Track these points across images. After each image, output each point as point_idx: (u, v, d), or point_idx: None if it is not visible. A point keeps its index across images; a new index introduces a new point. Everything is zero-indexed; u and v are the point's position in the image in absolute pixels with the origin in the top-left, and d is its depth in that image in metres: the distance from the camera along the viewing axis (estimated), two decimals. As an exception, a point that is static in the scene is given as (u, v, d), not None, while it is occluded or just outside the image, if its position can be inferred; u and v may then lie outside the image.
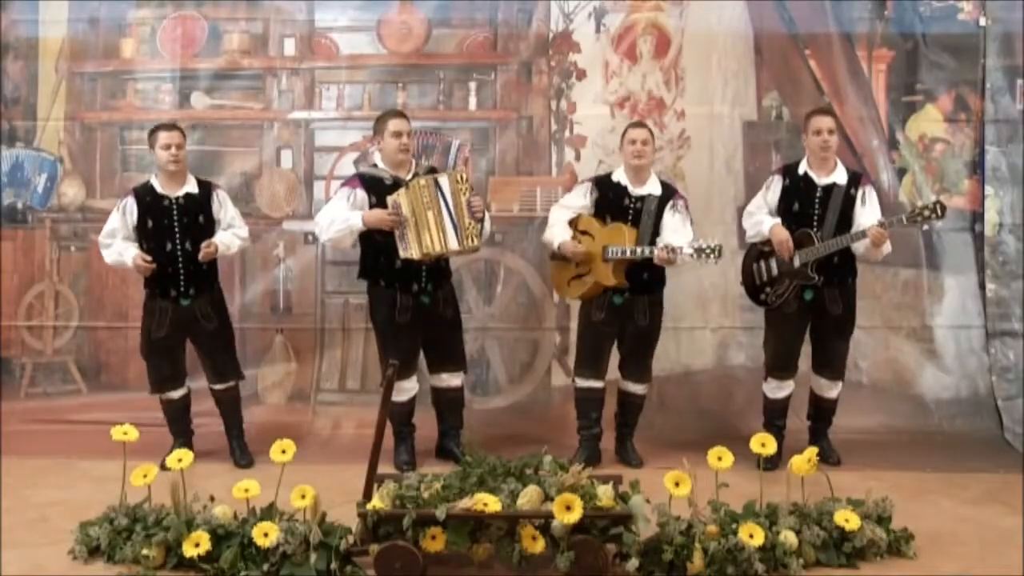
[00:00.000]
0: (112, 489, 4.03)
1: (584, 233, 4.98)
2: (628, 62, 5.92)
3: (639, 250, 4.79)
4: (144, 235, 4.89)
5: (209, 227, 4.96)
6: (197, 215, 4.93)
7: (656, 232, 4.88)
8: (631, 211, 4.91)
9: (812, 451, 3.93)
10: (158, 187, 4.92)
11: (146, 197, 4.91)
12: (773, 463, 4.46)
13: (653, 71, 5.92)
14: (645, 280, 4.90)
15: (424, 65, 5.97)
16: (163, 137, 4.86)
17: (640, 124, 5.09)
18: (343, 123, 6.00)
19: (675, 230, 4.86)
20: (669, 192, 4.98)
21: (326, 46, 6.02)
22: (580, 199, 5.04)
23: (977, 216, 5.85)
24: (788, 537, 3.72)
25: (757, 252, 5.02)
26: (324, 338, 5.93)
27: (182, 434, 5.05)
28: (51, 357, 6.01)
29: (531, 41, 5.93)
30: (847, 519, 3.79)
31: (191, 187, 4.96)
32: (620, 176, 4.99)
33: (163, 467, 4.03)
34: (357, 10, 6.00)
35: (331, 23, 6.02)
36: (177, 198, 4.91)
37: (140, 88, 6.04)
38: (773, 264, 4.93)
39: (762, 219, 4.96)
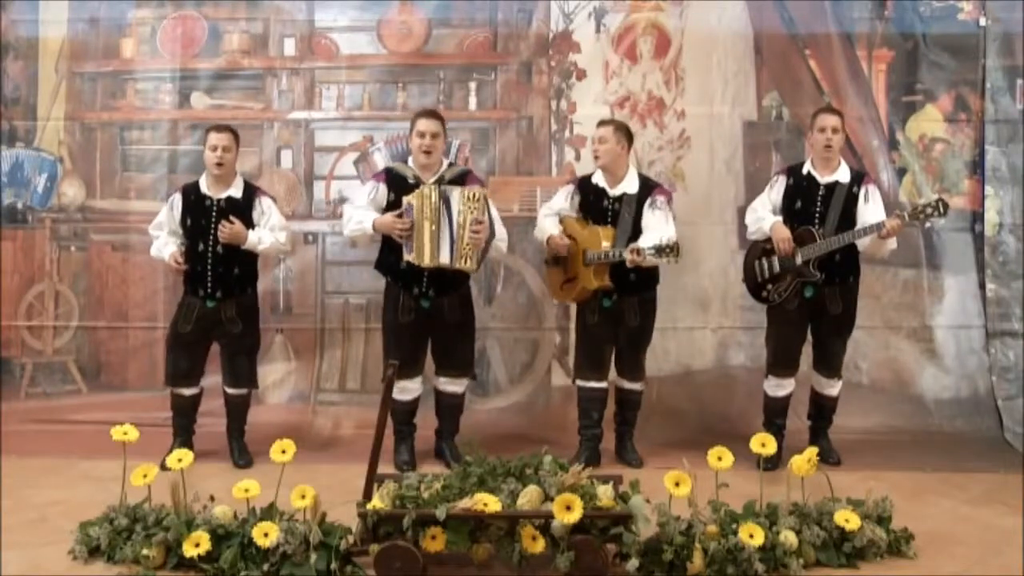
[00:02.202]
0: (112, 489, 4.03)
1: (569, 237, 4.99)
2: (628, 62, 5.92)
3: (612, 253, 4.77)
4: (184, 232, 4.94)
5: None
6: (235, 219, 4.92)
7: (636, 231, 4.85)
8: (610, 212, 4.90)
9: (812, 451, 3.93)
10: (203, 187, 4.94)
11: (191, 195, 4.94)
12: (773, 463, 4.46)
13: (653, 71, 5.92)
14: (633, 281, 4.86)
15: (424, 65, 5.98)
16: (211, 138, 4.88)
17: (602, 122, 5.04)
18: (343, 123, 6.00)
19: (654, 228, 4.82)
20: (647, 189, 4.93)
21: (326, 46, 6.02)
22: (562, 201, 5.06)
23: (977, 216, 5.86)
24: (788, 537, 3.72)
25: (760, 250, 5.02)
26: (324, 338, 5.93)
27: (183, 432, 5.06)
28: (51, 357, 6.01)
29: (531, 41, 5.94)
30: (847, 519, 3.79)
31: (235, 191, 4.95)
32: (599, 177, 4.98)
33: (163, 467, 4.03)
34: (357, 10, 6.01)
35: (331, 23, 6.02)
36: (218, 200, 4.91)
37: (140, 88, 6.04)
38: (775, 261, 4.93)
39: (764, 216, 4.97)
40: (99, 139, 6.04)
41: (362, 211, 4.85)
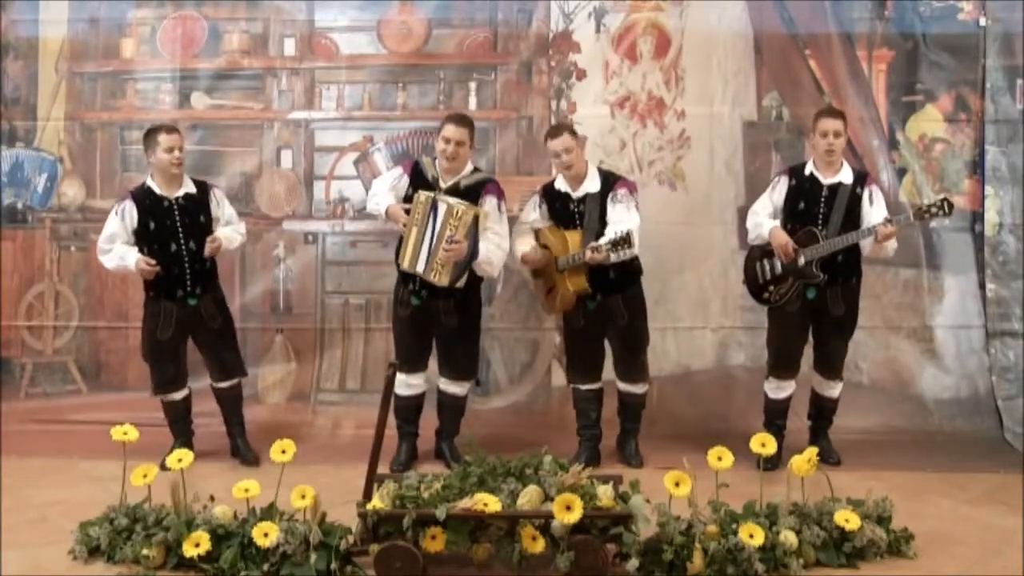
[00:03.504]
0: (112, 489, 4.04)
1: (545, 247, 4.98)
2: (628, 62, 5.92)
3: (577, 255, 4.74)
4: (145, 238, 4.88)
5: (209, 226, 4.98)
6: (198, 215, 4.94)
7: (604, 229, 4.80)
8: (577, 214, 4.88)
9: (812, 451, 3.93)
10: (156, 189, 4.91)
11: (145, 200, 4.90)
12: (773, 463, 4.45)
13: (653, 71, 5.92)
14: (613, 280, 4.85)
15: (424, 65, 5.98)
16: (167, 140, 4.84)
17: (556, 132, 4.91)
18: (343, 123, 6.01)
19: (619, 222, 4.77)
20: (608, 184, 4.88)
21: (326, 46, 6.02)
22: (532, 213, 5.03)
23: (977, 216, 5.85)
24: (788, 537, 3.72)
25: (760, 251, 5.01)
26: (324, 338, 5.93)
27: (182, 434, 5.06)
28: (51, 357, 6.02)
29: (531, 41, 5.94)
30: (847, 519, 3.80)
31: (189, 187, 4.96)
32: (561, 182, 4.95)
33: (163, 467, 4.03)
34: (357, 10, 6.01)
35: (331, 23, 6.02)
36: (177, 199, 4.91)
37: (140, 88, 6.04)
38: (777, 263, 4.92)
39: (762, 221, 4.94)
40: (99, 139, 6.04)
41: (383, 194, 4.90)
